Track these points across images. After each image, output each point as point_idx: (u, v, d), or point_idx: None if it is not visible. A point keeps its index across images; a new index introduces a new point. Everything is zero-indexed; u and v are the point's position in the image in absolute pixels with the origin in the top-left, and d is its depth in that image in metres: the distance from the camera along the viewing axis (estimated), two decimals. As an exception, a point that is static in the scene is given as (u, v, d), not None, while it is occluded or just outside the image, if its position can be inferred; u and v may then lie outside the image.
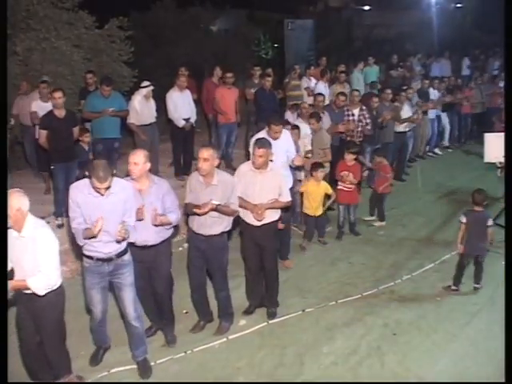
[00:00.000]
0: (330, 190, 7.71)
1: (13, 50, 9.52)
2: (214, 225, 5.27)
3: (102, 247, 4.66)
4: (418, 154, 12.38)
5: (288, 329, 5.72)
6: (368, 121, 9.35)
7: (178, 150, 9.19)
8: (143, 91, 8.76)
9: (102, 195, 4.48)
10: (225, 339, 5.50)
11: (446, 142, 13.36)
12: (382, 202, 8.68)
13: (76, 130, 7.67)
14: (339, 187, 8.02)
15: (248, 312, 6.01)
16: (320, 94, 9.52)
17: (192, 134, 9.33)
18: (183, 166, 9.25)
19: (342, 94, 9.58)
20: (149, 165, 4.95)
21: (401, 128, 10.57)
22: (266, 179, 5.63)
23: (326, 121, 8.73)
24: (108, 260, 4.72)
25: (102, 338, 5.23)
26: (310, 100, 9.88)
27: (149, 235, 5.02)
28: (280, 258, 6.83)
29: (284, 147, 6.60)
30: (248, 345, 5.44)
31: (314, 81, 11.50)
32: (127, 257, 4.86)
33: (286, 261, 7.17)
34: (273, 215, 5.77)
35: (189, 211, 5.28)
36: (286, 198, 5.81)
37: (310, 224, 7.80)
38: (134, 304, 4.94)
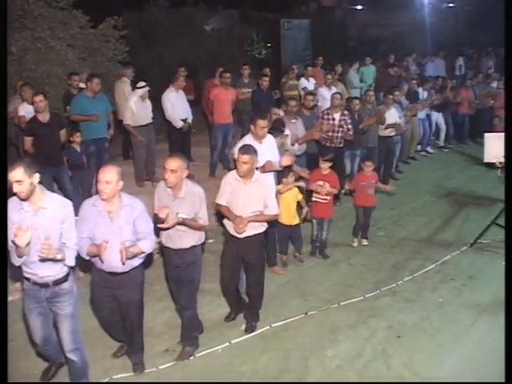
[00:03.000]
0: (299, 197, 7.01)
1: (7, 50, 9.37)
2: (182, 238, 4.94)
3: (37, 269, 4.17)
4: (409, 155, 12.16)
5: (291, 332, 5.64)
6: (349, 126, 8.88)
7: (175, 151, 9.04)
8: (139, 92, 8.68)
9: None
10: (228, 343, 5.41)
11: (440, 142, 13.27)
12: (370, 216, 7.88)
13: (63, 132, 7.55)
14: (314, 199, 7.31)
15: (229, 319, 5.83)
16: (311, 93, 9.40)
17: (189, 134, 9.25)
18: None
19: (310, 93, 9.26)
20: (121, 183, 4.43)
21: (386, 132, 10.06)
22: (251, 190, 5.28)
23: (300, 126, 8.20)
24: (43, 285, 4.25)
25: (52, 357, 4.87)
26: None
27: (117, 262, 4.46)
28: (268, 265, 6.61)
29: (268, 151, 6.36)
30: (251, 349, 5.36)
31: (312, 81, 11.44)
32: (67, 285, 4.35)
33: (275, 267, 6.96)
34: (258, 227, 5.42)
35: (156, 222, 4.83)
36: (272, 210, 5.42)
37: (283, 234, 7.07)
38: (72, 335, 4.43)
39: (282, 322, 5.79)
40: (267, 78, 9.87)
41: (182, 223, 4.79)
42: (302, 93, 11.00)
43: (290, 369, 5.06)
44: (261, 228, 5.47)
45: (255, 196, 5.29)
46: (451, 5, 24.89)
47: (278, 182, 6.86)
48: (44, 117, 7.24)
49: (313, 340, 5.49)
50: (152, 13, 15.87)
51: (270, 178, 6.11)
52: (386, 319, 5.87)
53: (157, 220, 4.81)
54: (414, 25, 21.72)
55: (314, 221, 7.38)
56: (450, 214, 9.05)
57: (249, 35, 19.49)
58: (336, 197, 7.84)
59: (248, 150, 5.24)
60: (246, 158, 5.16)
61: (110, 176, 4.34)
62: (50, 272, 4.22)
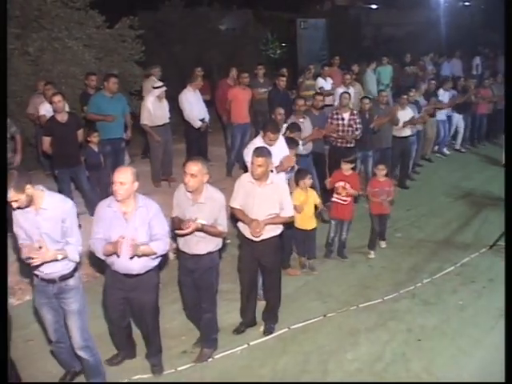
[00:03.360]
0: (318, 200, 6.92)
1: (24, 50, 9.43)
2: (199, 244, 4.85)
3: (43, 266, 4.19)
4: (424, 156, 12.02)
5: (310, 334, 5.61)
6: (359, 126, 8.82)
7: (192, 151, 9.07)
8: (156, 92, 8.68)
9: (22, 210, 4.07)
10: (246, 345, 5.39)
11: (457, 145, 13.08)
12: (386, 224, 7.71)
13: (80, 132, 7.57)
14: (334, 199, 7.23)
15: (238, 331, 5.65)
16: (320, 93, 9.36)
17: (206, 134, 9.25)
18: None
19: (319, 93, 9.20)
20: (137, 184, 4.41)
21: (401, 133, 9.98)
22: (266, 192, 5.21)
23: (308, 126, 8.16)
24: (50, 281, 4.29)
25: (66, 361, 4.80)
26: (326, 100, 9.71)
27: (132, 263, 4.44)
28: (282, 267, 6.44)
29: (279, 154, 6.28)
30: (270, 351, 5.33)
31: (330, 81, 11.38)
32: (73, 281, 4.36)
33: (289, 269, 6.89)
34: (274, 230, 5.37)
35: (174, 226, 4.85)
36: (288, 213, 5.36)
37: (299, 239, 6.99)
38: (81, 332, 4.43)
39: (300, 324, 5.76)
40: (284, 78, 9.83)
41: (201, 229, 4.70)
42: (319, 92, 10.96)
43: (309, 371, 5.03)
44: (277, 230, 5.42)
45: (270, 198, 5.22)
46: (467, 3, 24.66)
47: (296, 184, 6.83)
48: (62, 117, 7.26)
49: (332, 342, 5.46)
50: (167, 13, 15.91)
51: (283, 180, 6.08)
52: (406, 322, 5.83)
53: (174, 225, 4.79)
54: (429, 24, 21.53)
55: (333, 222, 7.29)
56: (468, 215, 8.98)
57: (263, 35, 19.49)
58: (355, 199, 7.69)
59: (262, 152, 5.17)
60: (260, 160, 5.09)
61: (124, 177, 4.31)
62: (54, 269, 4.23)
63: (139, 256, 4.38)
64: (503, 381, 3.86)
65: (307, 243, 6.98)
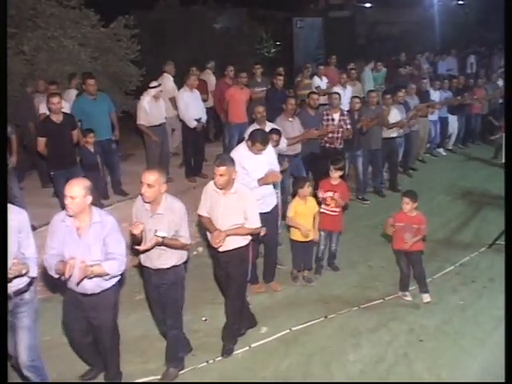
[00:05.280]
0: (316, 209, 6.56)
1: (19, 50, 9.35)
2: (161, 257, 4.60)
3: None
4: (418, 158, 11.82)
5: (312, 336, 5.56)
6: (349, 126, 8.71)
7: (188, 151, 8.98)
8: (152, 91, 8.57)
9: None
10: (247, 348, 5.34)
11: (450, 146, 12.90)
12: (419, 264, 6.29)
13: (75, 133, 7.47)
14: (322, 210, 6.69)
15: (225, 353, 5.32)
16: (315, 92, 9.27)
17: (203, 134, 9.18)
18: (194, 166, 9.05)
19: (314, 92, 9.05)
20: (90, 198, 4.14)
21: (388, 133, 9.77)
22: (230, 202, 4.97)
23: (297, 126, 8.04)
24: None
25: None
26: (321, 100, 9.67)
27: (85, 282, 4.18)
28: (264, 281, 6.49)
29: (267, 161, 6.09)
30: (272, 353, 5.28)
31: (325, 80, 11.34)
32: (28, 295, 4.13)
33: (272, 283, 6.57)
34: (239, 241, 5.09)
35: (133, 243, 4.57)
36: (253, 223, 5.07)
37: (297, 251, 6.65)
38: (29, 351, 4.17)
39: (302, 326, 5.71)
40: (281, 78, 9.77)
41: (162, 243, 4.48)
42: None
43: (312, 374, 4.99)
44: (242, 241, 5.14)
45: (235, 208, 4.98)
46: (461, 2, 24.69)
47: (294, 193, 6.69)
48: (58, 117, 7.16)
49: (334, 344, 5.42)
50: (162, 12, 15.87)
51: (267, 185, 6.00)
52: (407, 322, 5.80)
53: (134, 240, 4.52)
54: (423, 22, 21.57)
55: (322, 233, 6.81)
56: (467, 214, 8.97)
57: (258, 33, 19.45)
58: (344, 208, 7.18)
59: (224, 160, 4.91)
60: (221, 170, 4.83)
61: (75, 191, 4.06)
62: (10, 283, 3.95)
63: (90, 278, 4.15)
64: (503, 381, 3.84)
65: (304, 255, 6.67)
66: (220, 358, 5.19)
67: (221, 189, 4.96)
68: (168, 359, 4.96)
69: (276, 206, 6.39)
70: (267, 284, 6.55)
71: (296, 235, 6.52)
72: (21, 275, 3.94)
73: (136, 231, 4.39)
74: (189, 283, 5.23)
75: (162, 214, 4.50)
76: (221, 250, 5.05)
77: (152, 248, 4.48)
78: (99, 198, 7.48)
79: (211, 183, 5.09)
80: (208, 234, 5.18)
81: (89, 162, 7.75)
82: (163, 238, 4.43)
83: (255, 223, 5.11)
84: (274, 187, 6.42)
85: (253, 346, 5.38)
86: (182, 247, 4.67)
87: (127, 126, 9.94)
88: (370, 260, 7.31)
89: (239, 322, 5.36)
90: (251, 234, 5.19)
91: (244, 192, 5.08)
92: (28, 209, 6.74)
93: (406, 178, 10.80)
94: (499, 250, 7.32)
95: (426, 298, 6.18)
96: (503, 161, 7.77)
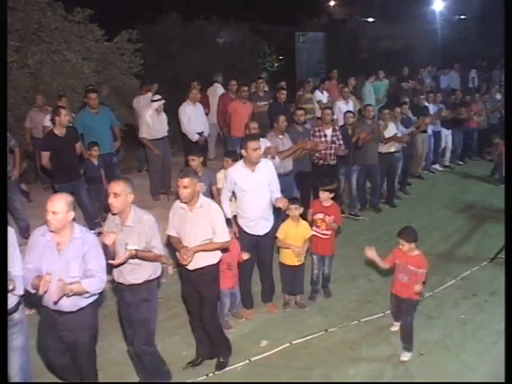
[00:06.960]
0: (309, 232, 6.25)
1: (24, 63, 9.44)
2: (134, 271, 4.51)
3: None
4: (415, 174, 11.64)
5: (312, 350, 5.55)
6: (341, 142, 8.50)
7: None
8: (154, 105, 8.67)
9: None
10: (247, 361, 5.33)
11: (446, 162, 12.60)
12: (409, 314, 5.47)
13: (78, 145, 7.52)
14: (313, 233, 6.38)
15: (194, 364, 5.27)
16: (301, 108, 8.94)
17: (205, 147, 9.23)
18: (197, 179, 9.08)
19: (300, 108, 8.74)
20: (73, 214, 4.11)
21: (387, 148, 9.62)
22: (197, 217, 4.81)
23: (287, 143, 7.73)
24: None
25: None
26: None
27: (62, 300, 4.05)
28: (262, 301, 6.39)
29: (265, 181, 5.89)
30: (272, 367, 5.27)
31: (326, 94, 11.40)
32: (17, 315, 4.09)
33: (269, 304, 6.39)
34: (208, 259, 4.95)
35: (107, 257, 4.44)
36: (222, 238, 4.91)
37: (287, 276, 6.29)
38: (21, 373, 4.13)
39: (302, 339, 5.70)
40: (284, 92, 9.82)
41: (136, 256, 4.40)
42: (317, 106, 10.97)
43: (312, 388, 4.98)
44: (212, 259, 5.01)
45: (202, 223, 4.83)
46: (463, 17, 24.85)
47: (286, 215, 6.44)
48: (61, 131, 7.21)
49: (334, 358, 5.40)
50: (165, 26, 16.00)
51: (268, 208, 5.92)
52: (408, 336, 5.77)
53: (108, 254, 4.42)
54: (425, 37, 21.74)
55: (315, 257, 6.57)
56: (468, 228, 8.95)
57: (261, 48, 19.60)
58: (337, 231, 6.92)
59: (187, 172, 4.81)
60: (186, 181, 4.67)
61: (57, 206, 4.00)
62: None
63: (69, 296, 4.05)
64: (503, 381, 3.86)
65: (295, 280, 6.31)
66: (220, 372, 5.18)
67: (186, 202, 4.80)
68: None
69: (271, 231, 6.12)
70: (265, 304, 6.41)
71: (286, 259, 6.22)
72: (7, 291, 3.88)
73: (108, 241, 4.34)
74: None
75: (131, 227, 4.46)
76: (190, 267, 4.88)
77: (125, 262, 4.41)
78: (101, 210, 7.56)
79: (177, 202, 4.95)
80: (177, 253, 4.95)
81: (92, 174, 7.82)
82: (137, 250, 4.38)
83: (224, 237, 4.97)
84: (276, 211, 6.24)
85: (253, 359, 5.36)
86: (156, 258, 4.58)
87: (131, 140, 10.00)
88: (370, 274, 7.28)
89: (221, 340, 5.29)
90: (221, 250, 5.08)
91: (210, 205, 4.94)
92: (31, 221, 6.84)
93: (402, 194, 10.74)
94: (500, 263, 7.30)
95: (405, 356, 5.35)
96: (503, 175, 7.82)
